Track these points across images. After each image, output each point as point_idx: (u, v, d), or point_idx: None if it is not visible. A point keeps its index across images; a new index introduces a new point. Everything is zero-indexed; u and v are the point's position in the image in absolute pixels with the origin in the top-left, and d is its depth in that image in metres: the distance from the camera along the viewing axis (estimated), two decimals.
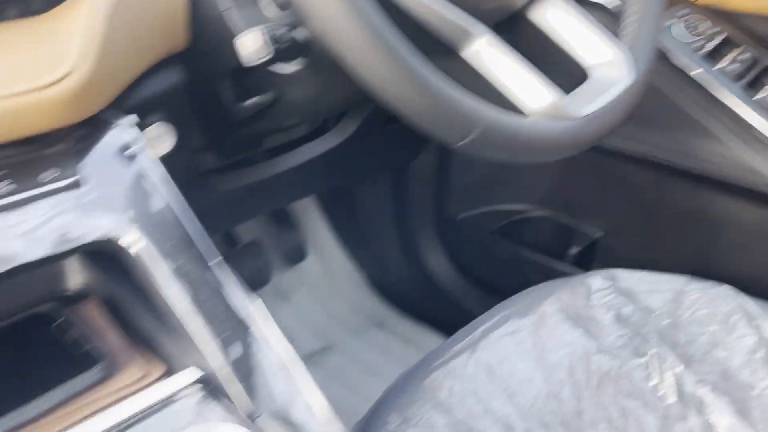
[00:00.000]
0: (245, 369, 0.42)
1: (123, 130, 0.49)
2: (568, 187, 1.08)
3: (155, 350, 0.47)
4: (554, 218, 1.11)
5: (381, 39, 0.43)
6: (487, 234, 1.18)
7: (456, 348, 0.68)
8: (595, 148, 0.61)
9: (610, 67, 0.54)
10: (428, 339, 1.29)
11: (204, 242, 0.46)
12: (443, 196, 1.21)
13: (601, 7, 0.85)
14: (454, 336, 0.72)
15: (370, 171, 1.15)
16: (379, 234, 1.28)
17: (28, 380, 0.42)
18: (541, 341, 0.69)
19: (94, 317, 0.48)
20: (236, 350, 0.42)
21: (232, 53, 0.62)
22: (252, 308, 0.45)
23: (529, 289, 0.79)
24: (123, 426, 0.39)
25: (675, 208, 0.97)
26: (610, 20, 0.81)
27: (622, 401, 0.64)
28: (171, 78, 0.61)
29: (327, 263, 1.35)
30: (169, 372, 0.45)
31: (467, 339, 0.69)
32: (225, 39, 0.61)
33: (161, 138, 0.60)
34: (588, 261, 1.09)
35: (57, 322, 0.46)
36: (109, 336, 0.47)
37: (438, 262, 1.25)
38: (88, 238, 0.42)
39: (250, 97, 0.65)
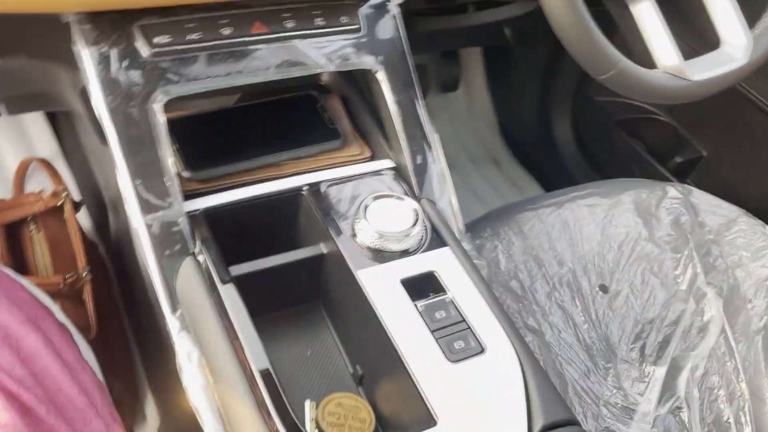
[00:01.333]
0: (420, 171, 0.70)
1: None
2: (693, 105, 1.24)
3: (365, 140, 0.76)
4: (673, 127, 1.29)
5: None
6: (612, 121, 1.37)
7: (548, 201, 0.94)
8: None
9: (733, 47, 0.72)
10: (530, 186, 1.55)
11: (415, 84, 0.73)
12: (588, 76, 1.39)
13: None
14: (551, 192, 0.98)
15: (536, 37, 1.34)
16: (522, 90, 1.50)
17: (299, 135, 0.73)
18: (610, 218, 0.94)
19: (337, 107, 0.77)
20: (419, 158, 0.70)
21: None
22: (434, 136, 0.72)
23: (621, 179, 1.02)
24: (351, 179, 0.69)
25: None
26: None
27: (647, 276, 0.90)
28: None
29: (471, 100, 1.59)
30: (372, 157, 0.74)
31: (559, 198, 0.95)
32: None
33: None
34: (685, 172, 1.28)
35: (319, 104, 0.76)
36: (344, 122, 0.76)
37: (563, 130, 1.46)
38: (358, 66, 0.69)
39: None
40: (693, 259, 0.92)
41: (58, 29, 0.60)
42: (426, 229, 0.64)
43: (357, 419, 0.59)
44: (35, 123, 1.18)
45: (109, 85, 0.60)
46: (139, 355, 0.95)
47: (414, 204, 0.63)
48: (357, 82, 0.80)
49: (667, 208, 0.97)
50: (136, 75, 0.60)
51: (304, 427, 0.51)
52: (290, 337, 0.66)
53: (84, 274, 0.86)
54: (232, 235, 0.64)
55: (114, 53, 0.60)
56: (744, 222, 0.97)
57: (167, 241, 0.58)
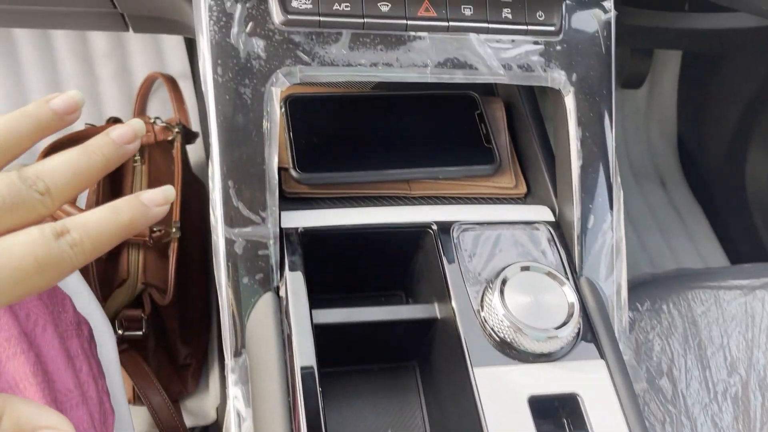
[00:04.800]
0: (589, 236, 0.53)
1: None
2: None
3: (523, 169, 0.59)
4: None
5: None
6: None
7: (732, 281, 0.73)
8: None
9: None
10: (696, 220, 1.28)
11: (611, 120, 0.54)
12: None
13: None
14: (737, 267, 0.76)
15: (756, 53, 1.08)
16: (719, 108, 1.23)
17: (444, 148, 0.57)
18: None
19: (498, 117, 0.61)
20: (591, 219, 0.53)
21: None
22: (619, 193, 0.54)
23: None
24: (494, 226, 0.52)
25: None
26: None
27: None
28: None
29: (653, 103, 1.34)
30: (526, 196, 0.58)
31: (749, 280, 0.73)
32: None
33: None
34: None
35: (478, 110, 0.59)
36: (502, 138, 0.60)
37: (759, 173, 1.18)
38: (542, 82, 0.51)
39: None
40: None
41: None
42: (579, 328, 0.48)
43: None
44: (171, 38, 1.10)
45: (224, 52, 0.46)
46: (217, 324, 0.87)
47: (573, 296, 0.47)
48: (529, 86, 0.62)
49: None
50: (259, 45, 0.47)
51: None
52: (370, 403, 0.53)
53: (173, 231, 0.77)
54: (329, 263, 0.51)
55: (238, 11, 0.47)
56: None
57: (249, 266, 0.46)
